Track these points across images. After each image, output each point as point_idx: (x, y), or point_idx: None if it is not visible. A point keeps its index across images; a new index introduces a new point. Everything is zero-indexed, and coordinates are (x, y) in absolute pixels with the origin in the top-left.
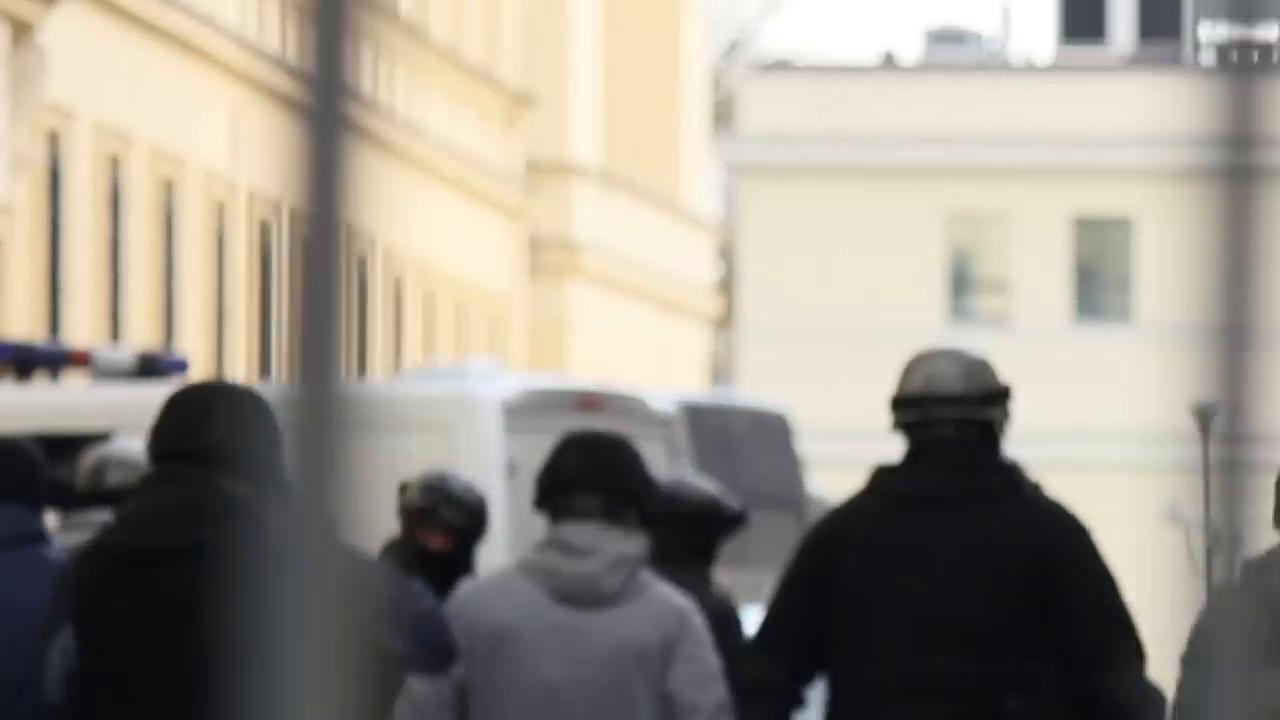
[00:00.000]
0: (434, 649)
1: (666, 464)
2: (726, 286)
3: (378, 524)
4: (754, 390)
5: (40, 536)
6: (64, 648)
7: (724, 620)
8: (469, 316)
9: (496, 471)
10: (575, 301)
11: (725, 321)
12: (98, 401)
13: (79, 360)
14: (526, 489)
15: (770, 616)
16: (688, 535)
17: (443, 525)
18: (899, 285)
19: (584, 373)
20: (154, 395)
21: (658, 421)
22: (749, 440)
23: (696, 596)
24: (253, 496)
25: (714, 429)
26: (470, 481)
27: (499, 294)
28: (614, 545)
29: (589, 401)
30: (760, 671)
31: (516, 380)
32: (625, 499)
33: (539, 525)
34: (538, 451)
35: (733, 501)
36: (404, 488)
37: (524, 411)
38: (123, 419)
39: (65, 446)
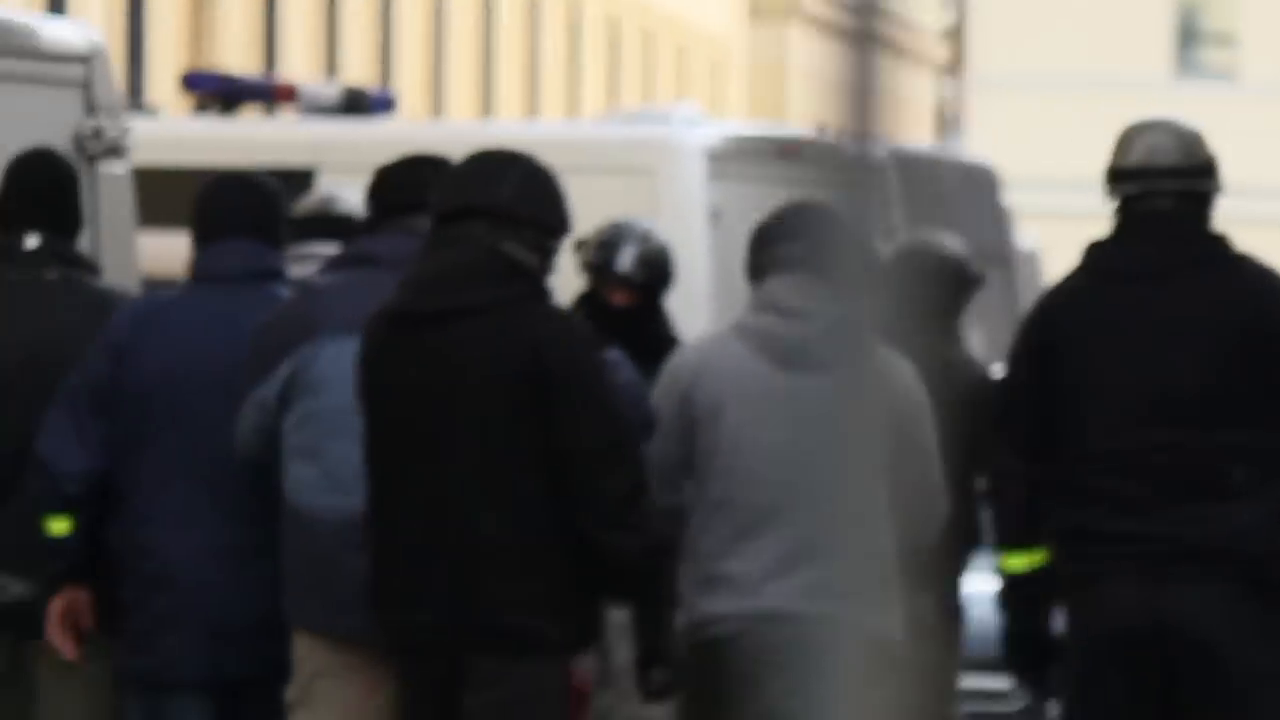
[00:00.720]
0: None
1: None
2: (957, 33)
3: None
4: (982, 139)
5: (277, 274)
6: (259, 401)
7: (980, 383)
8: (688, 60)
9: (699, 219)
10: (795, 45)
11: (954, 69)
12: (300, 137)
13: (285, 94)
14: (729, 237)
15: (1001, 401)
16: (934, 294)
17: (622, 279)
18: (1125, 38)
19: (803, 118)
20: (358, 132)
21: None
22: (958, 193)
23: (944, 358)
24: (534, 262)
25: (923, 180)
26: (649, 228)
27: (718, 37)
28: (828, 306)
29: (793, 149)
30: (1004, 456)
31: (721, 127)
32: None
33: (740, 276)
34: (741, 199)
35: (974, 261)
36: (579, 244)
37: (728, 158)
38: (325, 156)
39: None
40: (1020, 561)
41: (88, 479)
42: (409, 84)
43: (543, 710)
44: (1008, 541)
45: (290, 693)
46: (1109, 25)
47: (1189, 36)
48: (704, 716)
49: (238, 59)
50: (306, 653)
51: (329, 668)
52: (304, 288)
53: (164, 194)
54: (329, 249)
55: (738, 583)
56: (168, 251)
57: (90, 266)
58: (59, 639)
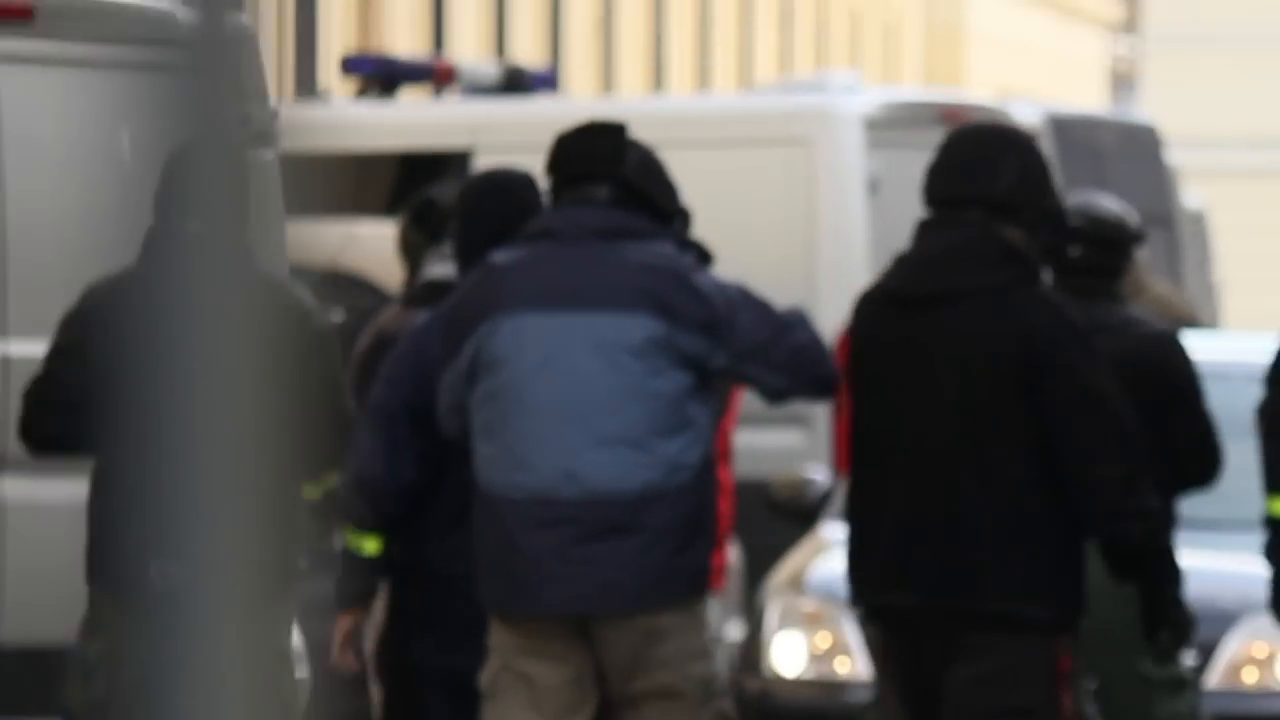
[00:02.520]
0: (814, 380)
1: None
2: None
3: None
4: (1157, 99)
5: None
6: (451, 382)
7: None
8: (862, 25)
9: (858, 187)
10: (972, 8)
11: (1129, 27)
12: (458, 118)
13: (444, 75)
14: (888, 205)
15: None
16: (1098, 256)
17: None
18: None
19: (980, 82)
20: (517, 111)
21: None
22: (1117, 153)
23: (1103, 320)
24: (1029, 247)
25: (1081, 142)
26: None
27: (894, 1)
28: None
29: (952, 115)
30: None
31: (878, 93)
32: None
33: (900, 244)
34: (899, 167)
35: (1135, 220)
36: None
37: (885, 125)
38: (483, 137)
39: (426, 165)
40: None
41: (406, 497)
42: (578, 62)
43: (1031, 685)
44: (1276, 486)
45: (483, 678)
46: None
47: None
48: None
49: (406, 42)
50: (497, 637)
51: (517, 650)
52: (485, 266)
53: (335, 179)
54: None
55: None
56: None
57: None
58: (344, 656)
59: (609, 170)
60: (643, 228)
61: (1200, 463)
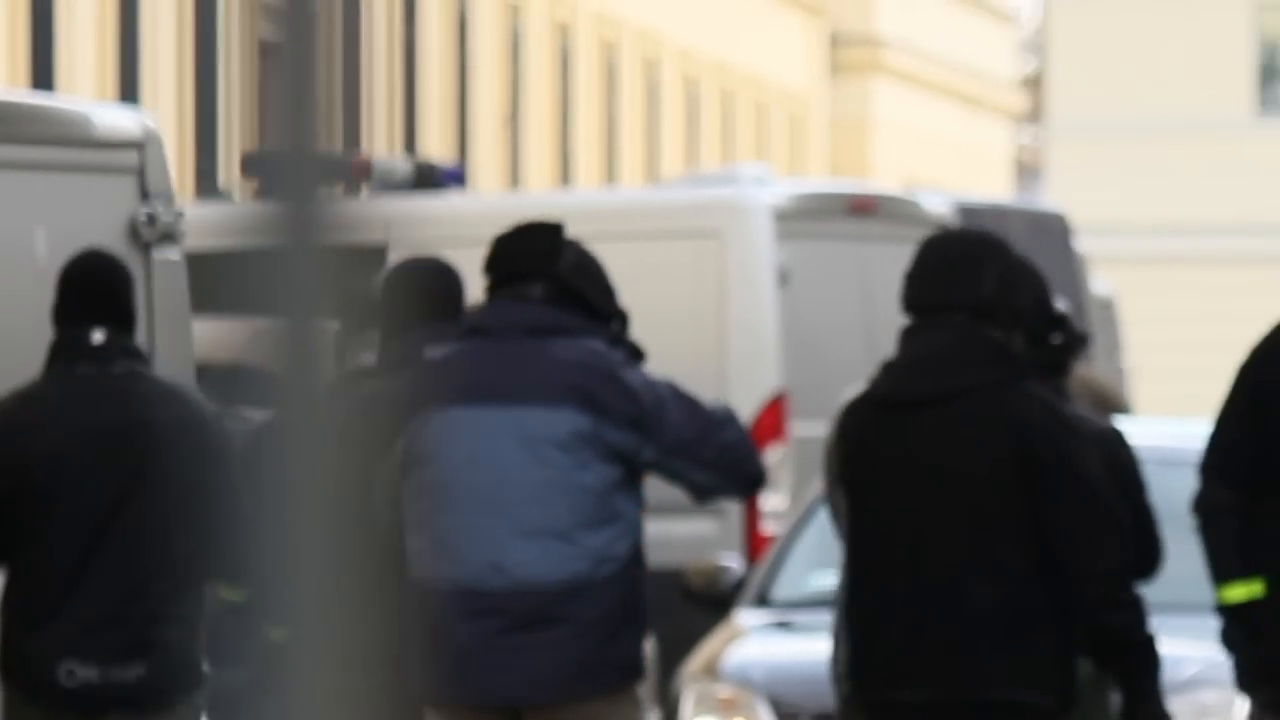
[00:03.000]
0: (743, 478)
1: None
2: (1036, 82)
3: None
4: (1063, 187)
5: None
6: (386, 476)
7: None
8: (768, 117)
9: (769, 278)
10: (877, 100)
11: (1033, 117)
12: (373, 214)
13: (360, 171)
14: (799, 297)
15: (1215, 441)
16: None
17: None
18: (1206, 79)
19: (886, 173)
20: (428, 208)
21: (933, 224)
22: (1027, 242)
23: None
24: (1014, 344)
25: (991, 230)
26: None
27: (799, 93)
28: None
29: (862, 205)
30: (1218, 494)
31: (788, 185)
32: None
33: (810, 335)
34: (810, 258)
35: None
36: None
37: (796, 216)
38: (398, 231)
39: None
40: (1239, 592)
41: None
42: (485, 158)
43: None
44: (1224, 575)
45: None
46: (1190, 67)
47: (1271, 75)
48: None
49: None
50: None
51: None
52: (422, 362)
53: (240, 277)
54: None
55: None
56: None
57: (145, 359)
58: None
59: (543, 268)
60: (573, 324)
61: (1148, 556)
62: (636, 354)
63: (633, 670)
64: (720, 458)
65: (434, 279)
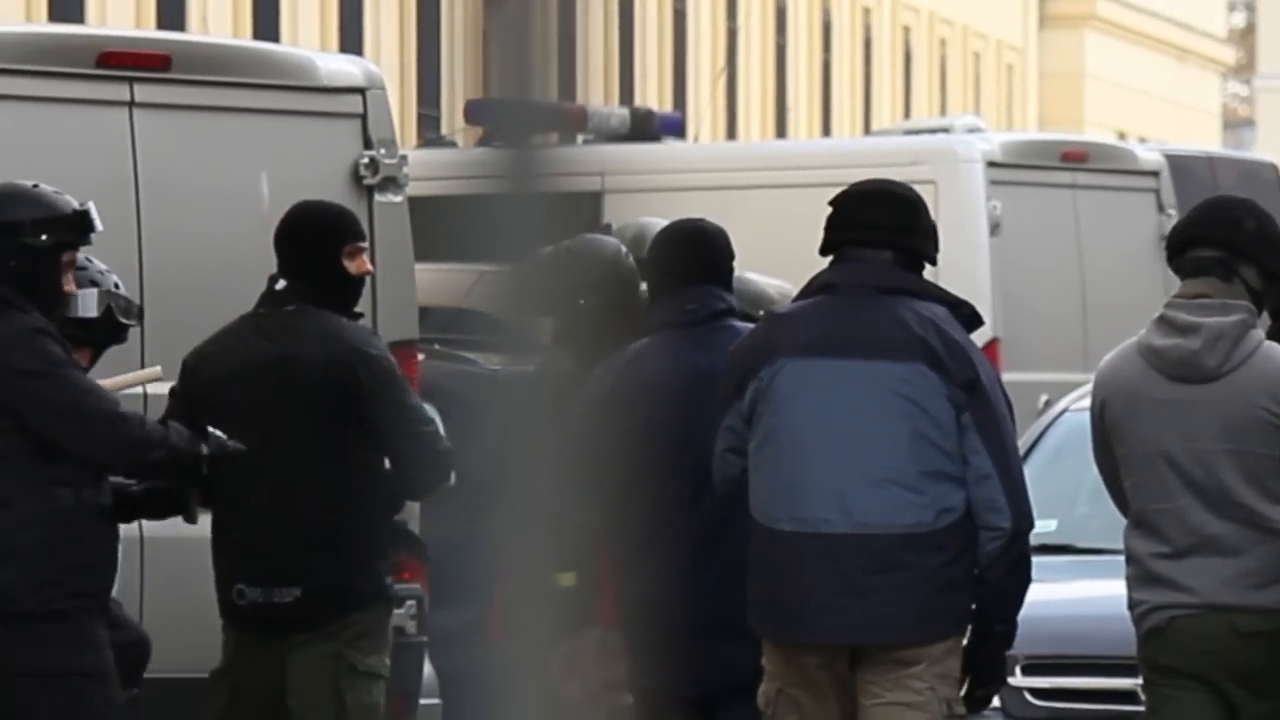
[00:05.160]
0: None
1: (1154, 217)
2: (1247, 35)
3: None
4: (1272, 139)
5: (731, 312)
6: (731, 424)
7: None
8: (982, 68)
9: (980, 227)
10: (1088, 52)
11: (1243, 70)
12: (589, 162)
13: (574, 120)
14: (1010, 245)
15: None
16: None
17: None
18: None
19: (1096, 125)
20: (644, 155)
21: (1144, 173)
22: (1237, 190)
23: None
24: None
25: (1200, 180)
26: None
27: (1011, 45)
28: (1213, 319)
29: (1074, 154)
30: None
31: (1000, 135)
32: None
33: (1021, 283)
34: (1022, 207)
35: None
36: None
37: (1009, 165)
38: (613, 179)
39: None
40: None
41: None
42: (703, 109)
43: None
44: None
45: (760, 699)
46: None
47: None
48: None
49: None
50: (771, 663)
51: (787, 677)
52: (769, 315)
53: (460, 222)
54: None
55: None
56: None
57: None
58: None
59: (895, 241)
60: (919, 286)
61: None
62: (974, 320)
63: (965, 619)
64: (1004, 464)
65: (704, 240)
